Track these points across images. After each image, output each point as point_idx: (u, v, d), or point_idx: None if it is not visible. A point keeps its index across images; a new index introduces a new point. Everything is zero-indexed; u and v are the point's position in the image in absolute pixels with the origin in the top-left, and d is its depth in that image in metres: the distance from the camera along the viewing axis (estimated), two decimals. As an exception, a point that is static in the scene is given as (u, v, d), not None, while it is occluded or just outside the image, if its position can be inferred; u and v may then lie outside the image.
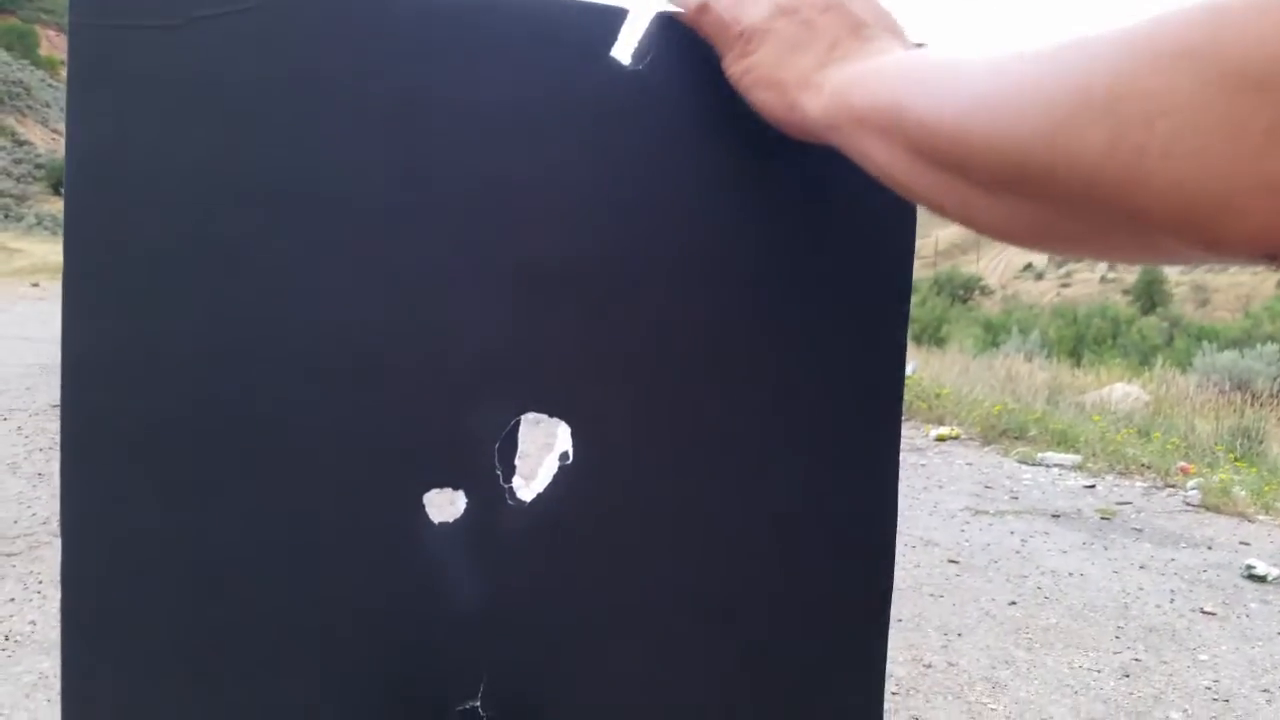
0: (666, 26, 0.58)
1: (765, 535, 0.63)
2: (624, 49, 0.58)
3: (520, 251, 0.57)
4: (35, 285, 18.19)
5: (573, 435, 0.58)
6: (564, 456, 0.59)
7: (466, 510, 0.57)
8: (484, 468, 0.57)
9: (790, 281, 0.62)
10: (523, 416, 0.58)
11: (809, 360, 0.62)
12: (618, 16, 0.58)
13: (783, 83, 0.55)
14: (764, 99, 0.56)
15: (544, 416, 0.58)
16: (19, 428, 5.52)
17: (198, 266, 0.53)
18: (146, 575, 0.54)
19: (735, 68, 0.57)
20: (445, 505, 0.57)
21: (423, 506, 0.56)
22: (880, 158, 0.50)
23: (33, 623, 3.12)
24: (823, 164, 0.59)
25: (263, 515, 0.54)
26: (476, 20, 0.56)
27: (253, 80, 0.53)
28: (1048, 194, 0.40)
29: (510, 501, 0.57)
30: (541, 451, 0.60)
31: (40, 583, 3.40)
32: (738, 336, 0.61)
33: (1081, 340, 17.78)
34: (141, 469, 0.53)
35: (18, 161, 64.53)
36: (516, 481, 0.58)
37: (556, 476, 0.58)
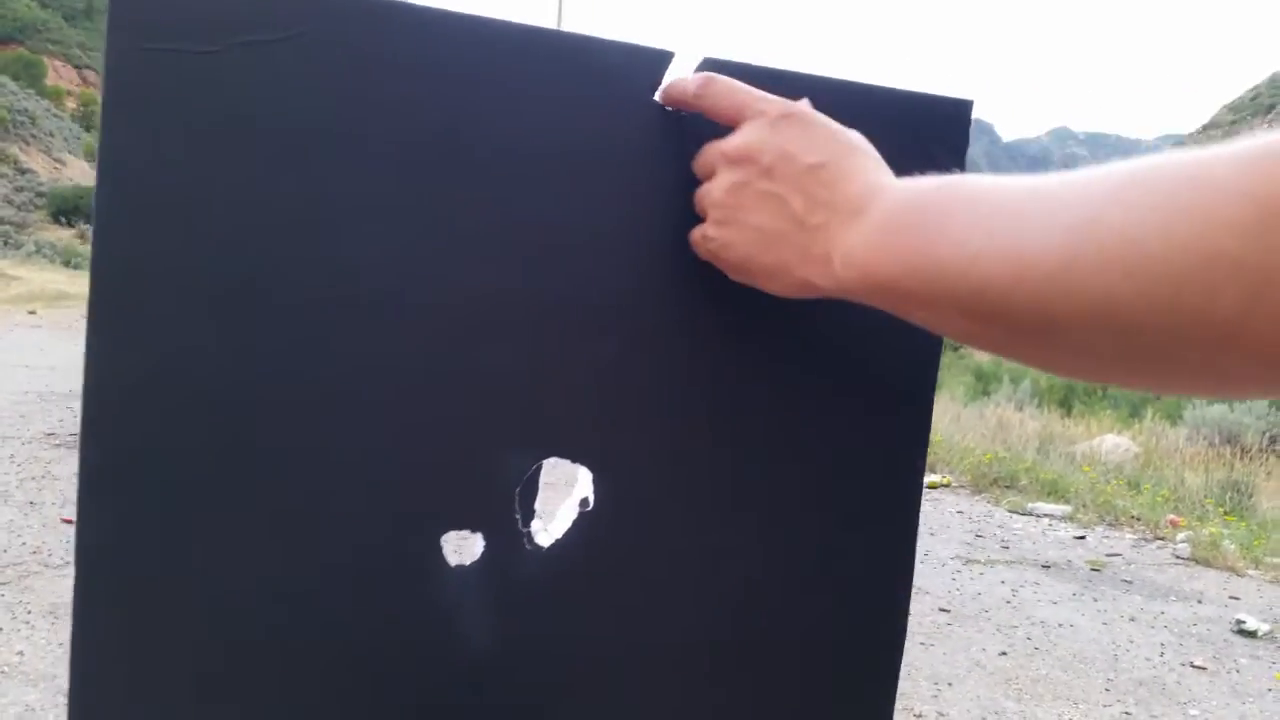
0: (713, 72, 0.57)
1: (781, 588, 0.61)
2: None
3: (551, 292, 0.56)
4: (32, 313, 18.17)
5: (595, 481, 0.57)
6: (584, 502, 0.57)
7: (484, 553, 0.56)
8: (503, 511, 0.56)
9: (818, 334, 0.60)
10: (544, 461, 0.57)
11: (833, 416, 0.61)
12: (663, 60, 0.57)
13: (782, 266, 0.52)
14: (768, 286, 0.54)
15: (565, 461, 0.57)
16: (12, 456, 5.50)
17: (227, 297, 0.52)
18: (160, 608, 0.53)
19: (727, 265, 0.55)
20: (463, 547, 0.56)
21: (440, 548, 0.56)
22: (927, 320, 0.47)
23: (20, 653, 3.09)
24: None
25: (279, 553, 0.54)
26: (522, 55, 0.55)
27: (290, 109, 0.52)
28: (1155, 353, 0.37)
29: (529, 546, 0.57)
30: (562, 496, 0.59)
31: (29, 613, 3.37)
32: (763, 388, 0.60)
33: (1072, 390, 17.79)
34: (160, 502, 0.52)
35: (19, 190, 64.71)
36: (535, 526, 0.57)
37: (576, 523, 0.57)
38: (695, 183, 0.57)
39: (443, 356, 0.55)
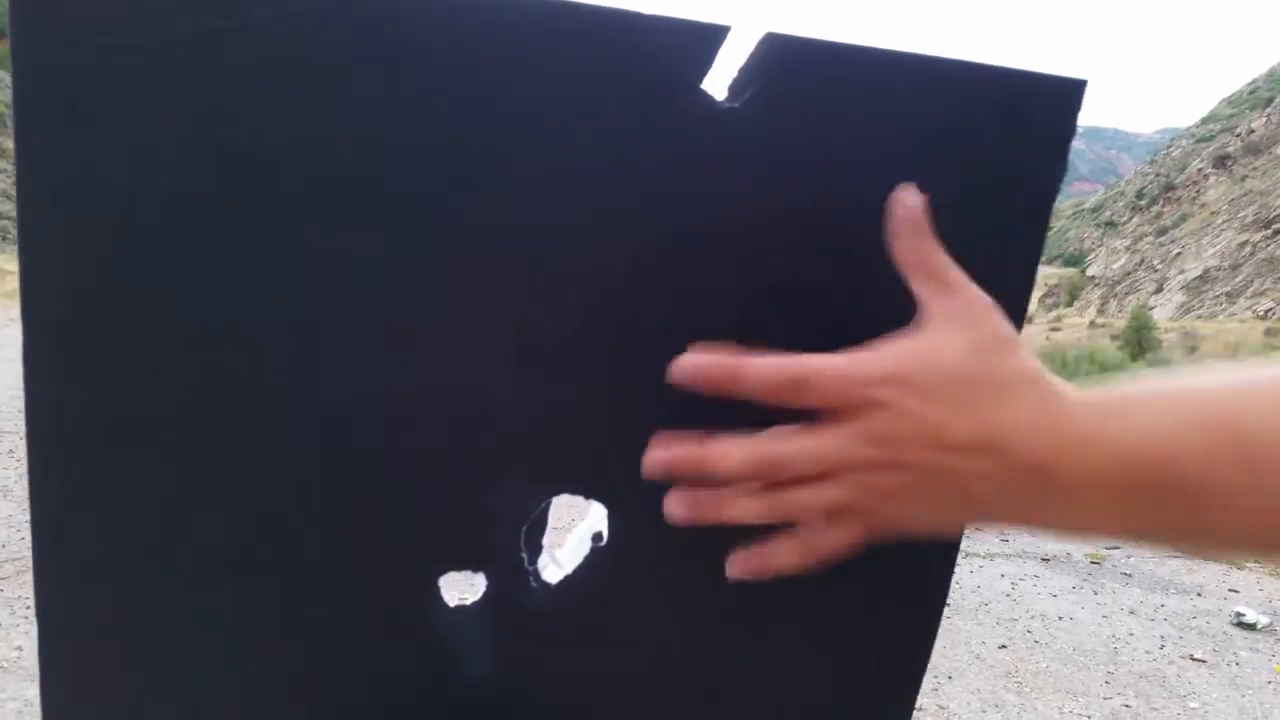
0: (777, 52, 0.47)
1: (799, 621, 0.56)
2: (720, 80, 0.46)
3: (567, 318, 0.49)
4: (28, 308, 18.11)
5: (607, 516, 0.52)
6: (597, 537, 0.53)
7: (486, 592, 0.53)
8: (509, 547, 0.52)
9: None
10: (554, 498, 0.52)
11: None
12: (715, 36, 0.45)
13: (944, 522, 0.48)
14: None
15: (577, 497, 0.52)
16: (10, 450, 5.48)
17: (186, 327, 0.46)
18: (135, 651, 0.50)
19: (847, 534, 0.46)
20: (464, 587, 0.53)
21: (439, 587, 0.52)
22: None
23: (19, 648, 3.08)
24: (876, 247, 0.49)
25: (272, 594, 0.51)
26: (535, 35, 0.45)
27: (254, 110, 0.44)
28: None
29: (534, 584, 0.53)
30: (571, 532, 0.56)
31: (28, 608, 3.36)
32: (786, 419, 0.51)
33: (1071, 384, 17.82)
34: (145, 558, 0.49)
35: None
36: (543, 562, 0.53)
37: (586, 559, 0.53)
38: (749, 193, 0.48)
39: (445, 384, 0.49)
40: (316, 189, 0.45)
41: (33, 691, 2.83)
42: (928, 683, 3.50)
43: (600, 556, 0.53)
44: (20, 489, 4.74)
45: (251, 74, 0.43)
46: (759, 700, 0.57)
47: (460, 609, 0.52)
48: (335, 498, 0.50)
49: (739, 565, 0.47)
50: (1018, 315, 0.51)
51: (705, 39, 0.45)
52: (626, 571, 0.53)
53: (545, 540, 0.53)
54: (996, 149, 0.49)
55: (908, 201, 0.46)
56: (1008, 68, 0.50)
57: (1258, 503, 0.40)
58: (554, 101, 0.46)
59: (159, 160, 0.44)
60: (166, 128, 0.43)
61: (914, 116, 0.48)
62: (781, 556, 0.47)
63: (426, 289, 0.47)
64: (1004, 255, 0.50)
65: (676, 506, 0.46)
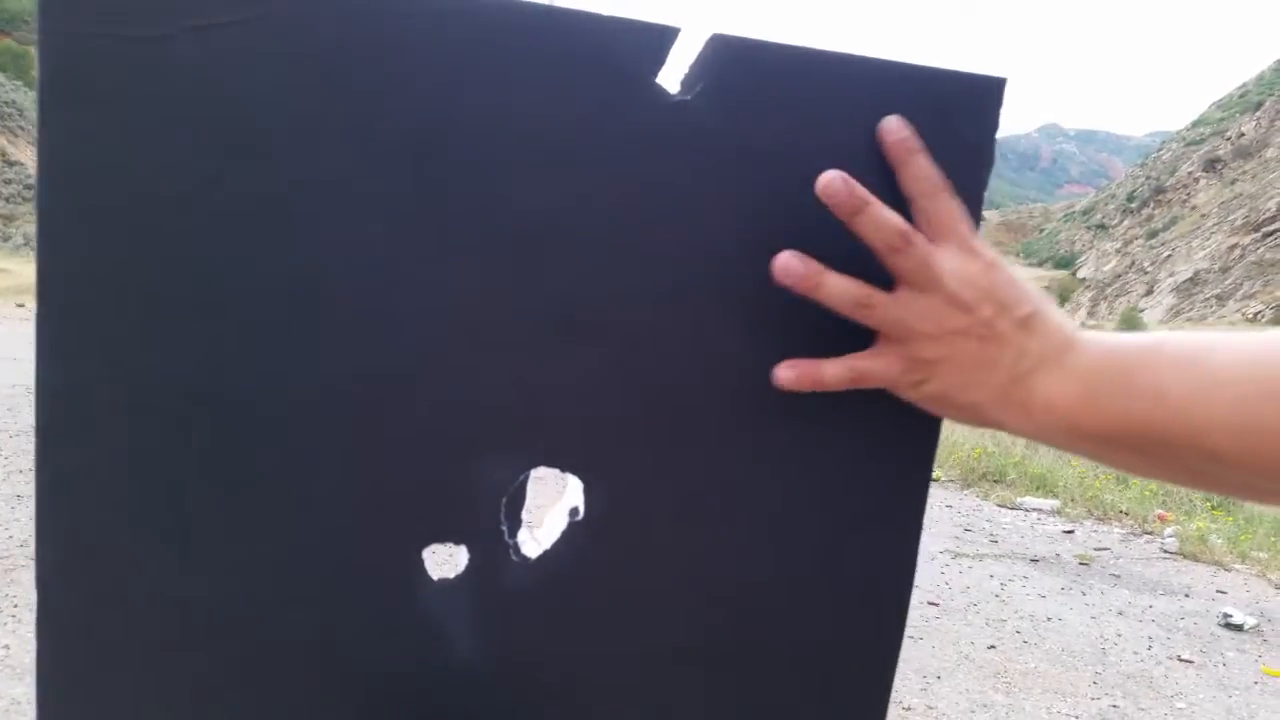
0: (722, 52, 0.52)
1: (776, 596, 0.58)
2: (672, 75, 0.52)
3: (539, 294, 0.52)
4: (21, 306, 18.06)
5: (585, 490, 0.55)
6: (574, 512, 0.55)
7: (468, 566, 0.54)
8: (489, 522, 0.54)
9: (816, 337, 0.56)
10: (532, 471, 0.54)
11: (833, 417, 0.57)
12: (667, 37, 0.51)
13: (976, 406, 0.53)
14: (952, 417, 0.55)
15: (554, 470, 0.54)
16: (-2, 449, 5.48)
17: (185, 309, 0.49)
18: (127, 626, 0.51)
19: (913, 394, 0.54)
20: (446, 560, 0.54)
21: (422, 561, 0.53)
22: (1120, 464, 0.52)
23: (6, 647, 3.08)
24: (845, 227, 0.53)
25: (255, 568, 0.52)
26: (508, 34, 0.50)
27: (252, 99, 0.48)
28: None
29: (515, 558, 0.54)
30: (550, 506, 0.57)
31: (15, 606, 3.36)
32: (760, 392, 0.55)
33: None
34: (126, 519, 0.50)
35: (7, 182, 64.34)
36: (522, 537, 0.55)
37: (565, 532, 0.55)
38: (699, 177, 0.53)
39: (421, 360, 0.52)
40: (307, 172, 0.49)
41: (20, 690, 2.83)
42: (916, 682, 3.52)
43: (578, 530, 0.55)
44: (7, 487, 4.74)
45: (250, 64, 0.47)
46: (743, 660, 0.59)
47: (444, 582, 0.54)
48: (326, 471, 0.52)
49: (787, 371, 0.53)
50: None
51: (658, 39, 0.51)
52: (605, 545, 0.55)
53: (524, 515, 0.55)
54: (925, 142, 0.53)
55: (896, 130, 0.52)
56: (934, 67, 0.55)
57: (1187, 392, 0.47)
58: (525, 90, 0.50)
59: (163, 142, 0.47)
60: (171, 113, 0.47)
61: (846, 112, 0.53)
62: (830, 370, 0.53)
63: (409, 270, 0.51)
64: None
65: (784, 371, 0.54)
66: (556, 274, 0.52)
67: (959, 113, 0.55)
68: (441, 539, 0.53)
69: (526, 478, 0.54)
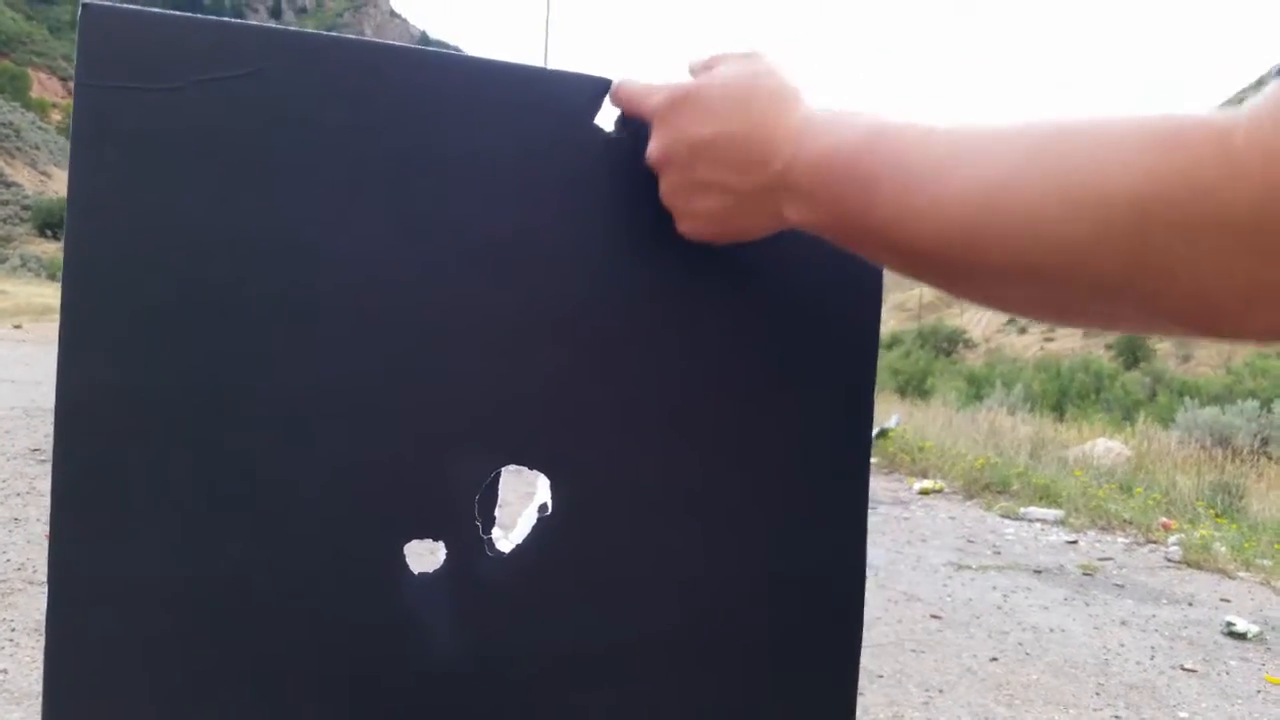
0: None
1: (736, 589, 0.64)
2: (607, 117, 0.61)
3: (504, 305, 0.59)
4: (18, 327, 18.09)
5: (551, 487, 0.60)
6: (543, 508, 0.60)
7: (446, 561, 0.58)
8: (464, 518, 0.58)
9: (761, 342, 0.64)
10: (504, 468, 0.59)
11: (778, 419, 0.64)
12: (602, 87, 0.61)
13: (745, 230, 0.56)
14: (751, 240, 0.57)
15: (524, 468, 0.60)
16: (-4, 471, 5.47)
17: (192, 319, 0.55)
18: (131, 624, 0.54)
19: (684, 226, 0.58)
20: (425, 555, 0.58)
21: (402, 555, 0.58)
22: (870, 256, 0.52)
23: (4, 671, 3.06)
24: (792, 230, 0.59)
25: (247, 565, 0.56)
26: (469, 84, 0.59)
27: (252, 141, 0.56)
28: (1055, 301, 0.44)
29: (489, 553, 0.59)
30: (522, 503, 0.62)
31: (13, 630, 3.34)
32: (710, 395, 0.63)
33: (1065, 395, 17.85)
34: (128, 518, 0.54)
35: (4, 203, 64.51)
36: (496, 532, 0.60)
37: (535, 528, 0.60)
38: (637, 199, 0.60)
39: (401, 367, 0.58)
40: (300, 199, 0.56)
41: (18, 715, 2.81)
42: (918, 696, 3.50)
43: (546, 526, 0.60)
44: (4, 510, 4.73)
45: (249, 110, 0.56)
46: (710, 650, 0.64)
47: (425, 576, 0.58)
48: (318, 469, 0.57)
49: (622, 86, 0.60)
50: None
51: (596, 88, 0.61)
52: (570, 541, 0.61)
53: (496, 511, 0.61)
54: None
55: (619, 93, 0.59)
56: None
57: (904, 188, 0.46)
58: (487, 130, 0.59)
59: (174, 175, 0.55)
60: (181, 150, 0.55)
61: None
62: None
63: (388, 285, 0.57)
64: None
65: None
66: (518, 286, 0.60)
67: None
68: (421, 535, 0.58)
69: (498, 475, 0.60)
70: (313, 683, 0.57)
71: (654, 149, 0.57)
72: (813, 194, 0.51)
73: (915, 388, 18.83)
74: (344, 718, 0.57)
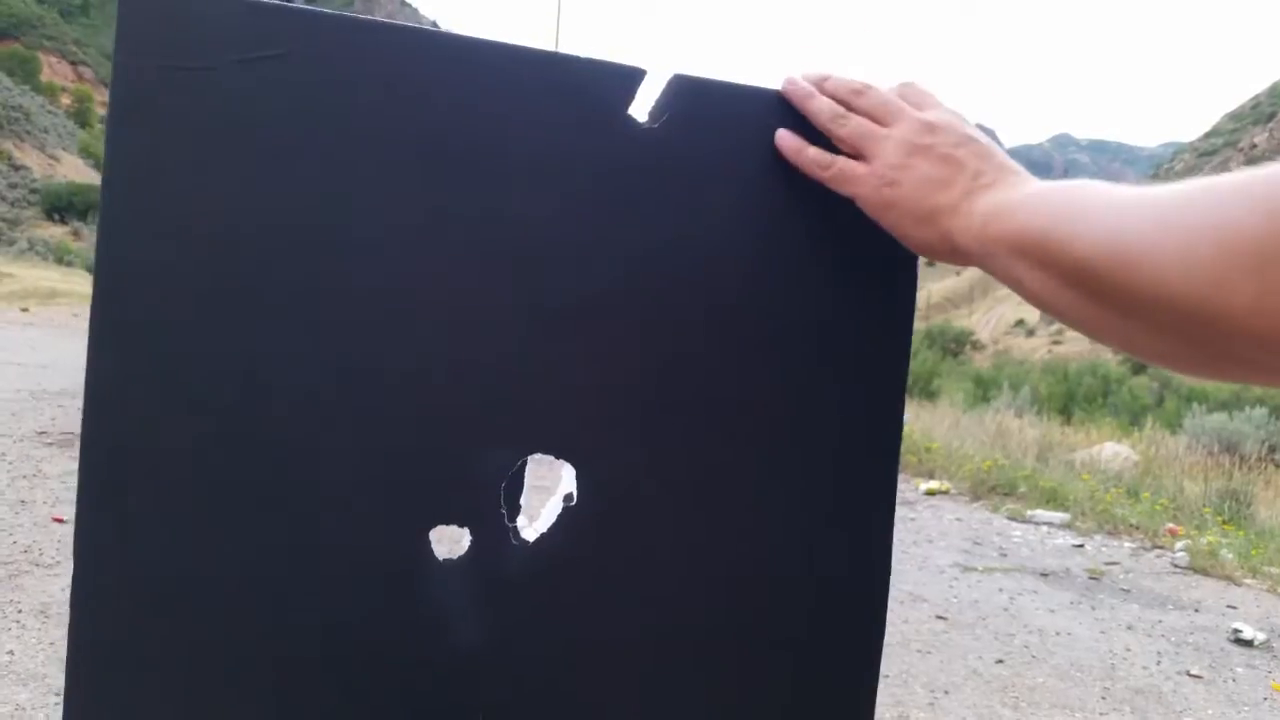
0: (683, 89, 0.61)
1: (761, 583, 0.63)
2: (641, 107, 0.61)
3: (534, 293, 0.59)
4: (25, 310, 18.14)
5: (578, 477, 0.60)
6: (568, 498, 0.60)
7: (471, 548, 0.58)
8: (490, 506, 0.58)
9: (793, 335, 0.63)
10: (530, 457, 0.59)
11: (809, 414, 0.63)
12: (636, 77, 0.61)
13: (933, 214, 0.59)
14: (910, 230, 0.60)
15: (550, 457, 0.59)
16: (3, 454, 5.47)
17: (222, 301, 0.55)
18: (156, 605, 0.55)
19: (875, 199, 0.60)
20: (451, 542, 0.58)
21: (429, 543, 0.58)
22: (1033, 285, 0.54)
23: (11, 653, 3.07)
24: (825, 225, 0.61)
25: (271, 550, 0.56)
26: (503, 70, 0.58)
27: (284, 121, 0.56)
28: (1198, 333, 0.46)
29: (514, 541, 0.59)
30: (546, 492, 0.61)
31: (20, 612, 3.35)
32: (740, 388, 0.62)
33: (1072, 398, 17.79)
34: (154, 500, 0.54)
35: (13, 186, 64.61)
36: (520, 521, 0.59)
37: (560, 517, 0.60)
38: (667, 190, 0.61)
39: (431, 355, 0.57)
40: (329, 183, 0.56)
41: (25, 695, 2.82)
42: (924, 697, 3.49)
43: (571, 516, 0.60)
44: (12, 493, 4.73)
45: (281, 91, 0.56)
46: (734, 643, 0.64)
47: (449, 564, 0.58)
48: (345, 454, 0.57)
49: (788, 138, 0.63)
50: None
51: (629, 78, 0.61)
52: (594, 531, 0.60)
53: (522, 501, 0.60)
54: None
55: (789, 143, 0.62)
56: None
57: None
58: (517, 118, 0.59)
59: (207, 154, 0.55)
60: (214, 130, 0.55)
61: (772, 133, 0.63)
62: (811, 151, 0.62)
63: (417, 273, 0.57)
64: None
65: (784, 135, 0.63)
66: (549, 276, 0.59)
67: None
68: (447, 522, 0.58)
69: (524, 464, 0.59)
70: (337, 665, 0.57)
71: (937, 119, 0.60)
72: (1038, 199, 0.55)
73: (922, 388, 18.78)
74: (368, 701, 0.57)
